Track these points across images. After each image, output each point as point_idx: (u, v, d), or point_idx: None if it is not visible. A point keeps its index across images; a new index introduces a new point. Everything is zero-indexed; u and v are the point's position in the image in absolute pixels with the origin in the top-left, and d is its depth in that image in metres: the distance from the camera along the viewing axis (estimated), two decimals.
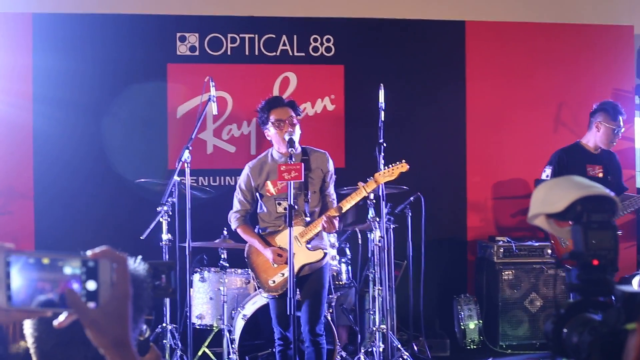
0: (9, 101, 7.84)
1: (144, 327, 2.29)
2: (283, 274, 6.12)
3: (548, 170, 7.21)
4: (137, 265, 2.19)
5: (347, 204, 6.03)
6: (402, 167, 6.07)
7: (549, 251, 8.02)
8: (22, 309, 1.76)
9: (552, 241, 7.16)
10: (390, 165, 6.10)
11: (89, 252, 1.76)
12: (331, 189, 6.37)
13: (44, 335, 2.09)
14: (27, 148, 7.90)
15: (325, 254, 6.17)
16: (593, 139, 7.04)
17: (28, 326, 2.11)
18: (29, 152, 7.90)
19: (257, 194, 6.36)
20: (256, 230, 6.39)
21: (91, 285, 1.75)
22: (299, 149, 6.27)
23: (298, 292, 6.15)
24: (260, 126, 6.45)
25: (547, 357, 7.56)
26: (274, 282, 6.17)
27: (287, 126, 6.12)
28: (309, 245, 6.12)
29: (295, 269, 5.88)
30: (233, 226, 6.44)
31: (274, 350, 6.43)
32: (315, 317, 6.11)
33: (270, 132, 6.24)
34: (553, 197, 1.92)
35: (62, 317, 1.79)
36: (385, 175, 6.06)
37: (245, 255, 6.41)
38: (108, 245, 2.19)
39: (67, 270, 1.75)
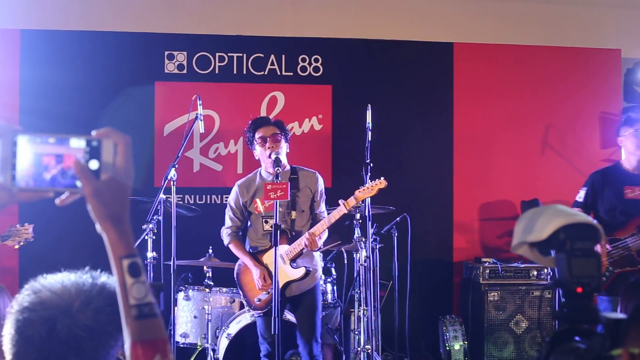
0: None
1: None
2: (268, 292, 6.17)
3: (582, 192, 7.16)
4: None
5: (328, 222, 6.15)
6: (381, 184, 6.11)
7: (535, 273, 8.03)
8: (25, 189, 1.82)
9: None
10: (370, 183, 6.13)
11: (93, 133, 1.85)
12: (322, 208, 6.46)
13: (22, 350, 2.08)
14: None
15: (309, 271, 6.21)
16: (627, 157, 7.02)
17: (7, 341, 2.10)
18: None
19: (246, 211, 6.44)
20: (247, 249, 6.45)
21: (94, 164, 1.84)
22: (288, 168, 6.35)
23: (287, 312, 6.27)
24: (248, 147, 6.51)
25: None
26: (259, 300, 6.25)
27: (271, 142, 6.18)
28: (294, 264, 6.17)
29: (280, 285, 6.00)
30: (225, 242, 6.54)
31: None
32: (311, 339, 6.25)
33: (257, 150, 6.34)
34: (536, 225, 1.92)
35: (64, 196, 1.87)
36: (364, 191, 6.11)
37: (235, 274, 6.51)
38: (91, 263, 2.19)
39: (73, 144, 1.83)
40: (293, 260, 6.20)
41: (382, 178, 6.13)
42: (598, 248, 5.72)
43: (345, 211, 6.10)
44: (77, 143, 1.82)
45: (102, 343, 2.11)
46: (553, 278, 7.14)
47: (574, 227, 1.89)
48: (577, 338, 1.86)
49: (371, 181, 6.14)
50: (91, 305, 2.10)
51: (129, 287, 1.86)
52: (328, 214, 6.53)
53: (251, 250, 6.47)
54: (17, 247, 6.59)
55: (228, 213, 6.56)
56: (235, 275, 6.52)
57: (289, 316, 6.60)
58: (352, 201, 6.10)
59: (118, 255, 1.88)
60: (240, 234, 6.57)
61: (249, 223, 6.53)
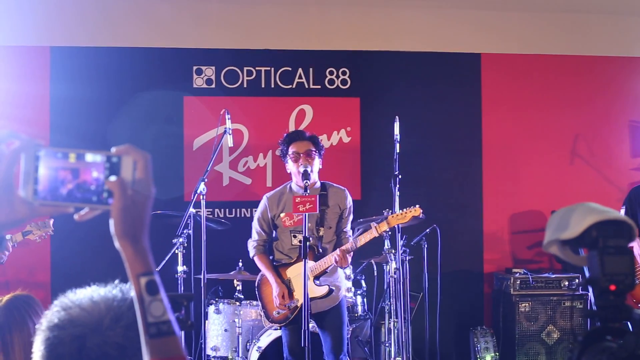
0: (26, 130, 7.88)
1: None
2: (288, 307, 6.18)
3: (622, 211, 7.00)
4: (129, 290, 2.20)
5: (358, 242, 6.10)
6: (415, 211, 6.10)
7: (566, 283, 7.98)
8: (45, 203, 1.81)
9: None
10: (404, 209, 6.11)
11: (113, 149, 1.84)
12: (348, 226, 6.42)
13: None
14: None
15: (331, 290, 6.19)
16: None
17: (37, 359, 2.09)
18: None
19: (273, 224, 6.43)
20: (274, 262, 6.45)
21: (113, 179, 1.82)
22: (318, 184, 6.35)
23: (312, 322, 6.26)
24: (281, 159, 6.49)
25: None
26: (278, 313, 6.24)
27: (304, 159, 6.15)
28: (317, 281, 6.15)
29: (299, 303, 6.05)
30: (251, 254, 6.52)
31: None
32: (338, 355, 6.20)
33: (289, 165, 6.29)
34: (568, 223, 1.87)
35: (83, 212, 1.85)
36: (397, 218, 6.10)
37: (256, 285, 6.52)
38: (123, 279, 2.21)
39: (89, 158, 1.82)
40: (317, 277, 6.18)
41: (417, 205, 6.11)
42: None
43: (377, 235, 6.07)
44: (93, 157, 1.82)
45: None
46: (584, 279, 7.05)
47: (607, 224, 1.83)
48: (609, 337, 1.81)
49: (406, 208, 6.13)
50: (121, 322, 2.07)
51: (147, 305, 1.86)
52: (355, 226, 6.55)
53: (275, 263, 6.46)
54: (38, 240, 6.87)
55: (255, 226, 6.54)
56: (256, 286, 6.52)
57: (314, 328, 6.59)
58: (384, 225, 6.07)
59: (135, 272, 1.87)
60: (266, 247, 6.55)
61: (276, 237, 6.52)
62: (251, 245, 6.51)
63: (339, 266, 6.19)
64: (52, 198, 1.80)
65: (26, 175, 1.80)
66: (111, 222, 1.85)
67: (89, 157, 1.83)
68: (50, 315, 2.10)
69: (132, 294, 2.17)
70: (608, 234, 1.84)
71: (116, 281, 2.21)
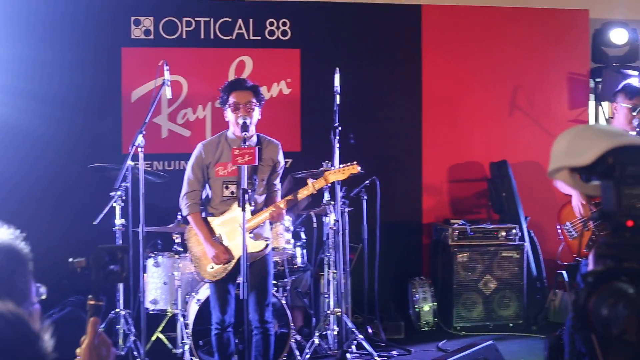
0: None
1: (40, 289, 2.39)
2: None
3: None
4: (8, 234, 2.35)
5: (295, 198, 5.99)
6: (353, 168, 6.01)
7: (504, 233, 8.10)
8: None
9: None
10: (342, 165, 6.07)
11: None
12: (277, 180, 6.26)
13: None
14: None
15: (267, 245, 6.09)
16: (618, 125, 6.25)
17: None
18: None
19: (207, 173, 6.20)
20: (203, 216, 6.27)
21: None
22: (255, 137, 6.18)
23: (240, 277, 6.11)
24: (220, 106, 6.30)
25: (505, 339, 7.62)
26: (212, 267, 6.04)
27: (243, 111, 6.03)
28: (251, 235, 6.00)
29: (236, 258, 5.92)
30: (184, 212, 6.21)
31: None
32: (262, 304, 6.04)
33: (227, 114, 6.14)
34: (579, 147, 1.63)
35: None
36: (335, 174, 6.00)
37: (185, 238, 6.29)
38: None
39: None
40: (250, 232, 5.97)
41: (354, 162, 6.02)
42: None
43: (314, 191, 5.95)
44: None
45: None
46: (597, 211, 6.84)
47: (625, 150, 1.57)
48: (623, 279, 1.55)
49: (343, 164, 6.06)
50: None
51: None
52: (295, 178, 6.49)
53: (206, 216, 6.20)
54: None
55: (187, 175, 6.21)
56: (185, 240, 6.30)
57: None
58: (321, 182, 5.95)
59: None
60: (199, 203, 6.22)
61: (207, 188, 6.35)
62: (183, 202, 6.18)
63: (273, 221, 6.12)
64: None
65: None
66: None
67: None
68: None
69: None
70: (626, 161, 1.59)
71: None
